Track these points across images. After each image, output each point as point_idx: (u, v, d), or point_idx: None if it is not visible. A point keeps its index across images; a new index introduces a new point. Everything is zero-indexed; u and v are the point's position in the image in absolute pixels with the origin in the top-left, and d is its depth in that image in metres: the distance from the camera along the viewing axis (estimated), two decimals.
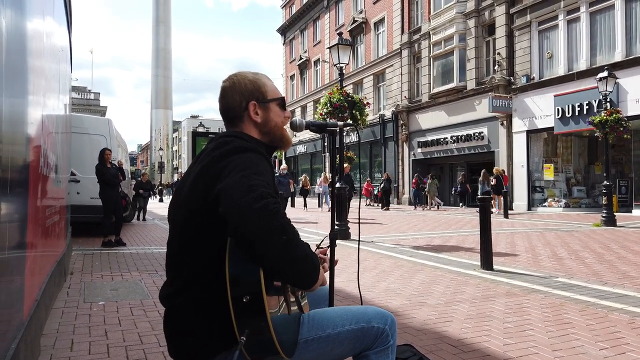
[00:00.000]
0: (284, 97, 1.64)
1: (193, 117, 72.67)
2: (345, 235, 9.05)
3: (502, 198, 15.78)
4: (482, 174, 17.39)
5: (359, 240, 1.68)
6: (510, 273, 5.65)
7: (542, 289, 4.80)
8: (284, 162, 12.53)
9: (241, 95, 1.54)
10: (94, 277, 5.53)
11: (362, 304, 1.76)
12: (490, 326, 3.56)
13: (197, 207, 1.38)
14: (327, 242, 1.79)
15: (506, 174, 17.69)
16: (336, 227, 8.97)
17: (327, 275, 1.75)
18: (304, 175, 28.12)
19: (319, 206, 21.09)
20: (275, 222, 1.22)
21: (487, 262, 5.87)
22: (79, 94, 49.19)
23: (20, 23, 2.33)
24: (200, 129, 34.44)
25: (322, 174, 23.82)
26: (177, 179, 24.06)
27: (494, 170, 17.06)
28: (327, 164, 31.03)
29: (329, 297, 1.70)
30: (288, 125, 1.69)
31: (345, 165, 12.51)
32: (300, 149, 36.46)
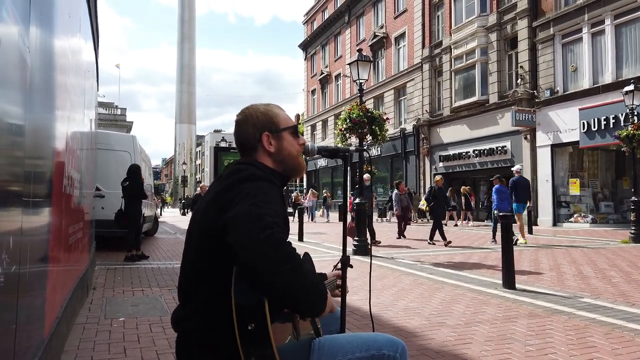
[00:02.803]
0: (296, 125, 1.67)
1: (216, 131, 73.73)
2: (365, 252, 8.99)
3: (470, 214, 19.88)
4: (449, 190, 19.24)
5: (370, 262, 1.68)
6: (533, 292, 5.52)
7: (566, 310, 4.67)
8: (366, 175, 12.04)
9: (254, 127, 1.58)
10: (116, 293, 5.61)
11: (373, 330, 1.74)
12: (511, 349, 3.48)
13: (208, 234, 1.41)
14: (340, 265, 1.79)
15: (473, 192, 20.93)
16: (355, 241, 9.03)
17: (339, 299, 1.75)
18: (296, 191, 28.92)
19: (310, 219, 23.52)
20: (281, 252, 1.24)
21: (509, 281, 5.75)
22: (106, 110, 50.43)
23: (45, 41, 2.42)
24: (223, 144, 34.83)
25: (310, 190, 26.41)
26: (195, 193, 24.33)
27: (462, 190, 19.88)
28: (349, 178, 31.03)
29: (341, 323, 1.69)
30: None
31: (366, 176, 12.10)
32: (321, 162, 36.55)
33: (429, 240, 11.53)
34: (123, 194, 8.64)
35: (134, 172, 8.62)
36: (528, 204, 11.74)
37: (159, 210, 31.60)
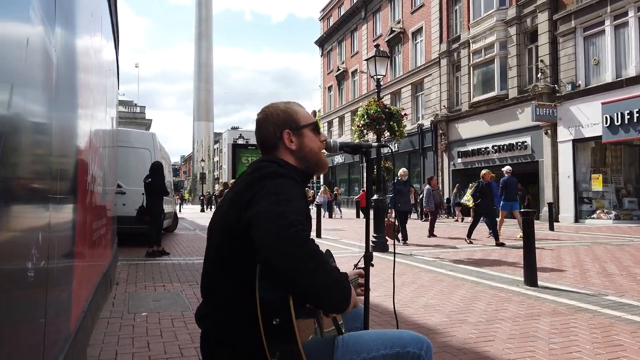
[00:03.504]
0: (317, 121, 1.66)
1: (233, 128, 74.17)
2: (383, 248, 8.96)
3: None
4: (455, 187, 19.75)
5: (394, 258, 1.67)
6: (555, 290, 5.44)
7: (590, 308, 4.59)
8: (403, 169, 11.42)
9: (274, 125, 1.59)
10: (138, 288, 5.69)
11: (397, 327, 1.73)
12: (534, 347, 3.43)
13: (230, 231, 1.41)
14: (362, 263, 1.78)
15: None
16: (373, 238, 9.00)
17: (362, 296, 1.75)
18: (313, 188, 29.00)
19: (322, 216, 22.69)
20: (304, 250, 1.23)
21: (531, 278, 5.67)
22: (125, 108, 51.13)
23: (69, 40, 2.45)
24: (240, 141, 35.05)
25: (322, 187, 26.59)
26: (215, 191, 24.48)
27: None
28: (365, 175, 30.94)
29: (364, 320, 1.68)
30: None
31: (402, 170, 11.28)
32: (338, 159, 36.50)
33: (466, 239, 10.67)
34: (145, 190, 8.76)
35: (156, 169, 8.72)
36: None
37: (178, 206, 32.04)
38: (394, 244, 2.16)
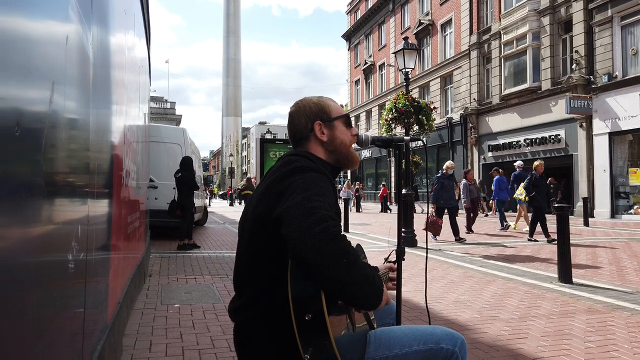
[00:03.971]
0: (348, 114, 1.66)
1: (261, 123, 74.79)
2: (412, 243, 8.89)
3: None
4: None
5: (427, 254, 1.65)
6: (591, 287, 5.29)
7: (628, 306, 4.45)
8: (449, 162, 10.60)
9: (306, 117, 1.60)
10: (170, 280, 5.81)
11: (430, 323, 1.72)
12: (569, 345, 3.35)
13: (262, 225, 1.42)
14: (394, 256, 1.77)
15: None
16: (403, 233, 8.91)
17: (394, 291, 1.74)
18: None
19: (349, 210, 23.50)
20: (335, 246, 1.22)
21: (565, 275, 5.53)
22: (156, 104, 52.14)
23: (104, 38, 2.51)
24: (268, 136, 35.32)
25: (345, 181, 27.00)
26: (241, 186, 24.58)
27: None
28: (393, 170, 30.75)
29: (397, 315, 1.67)
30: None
31: (449, 163, 10.31)
32: (365, 153, 36.33)
33: (528, 237, 9.94)
34: (176, 185, 8.92)
35: (186, 164, 8.86)
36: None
37: (207, 201, 32.54)
38: (426, 240, 2.13)
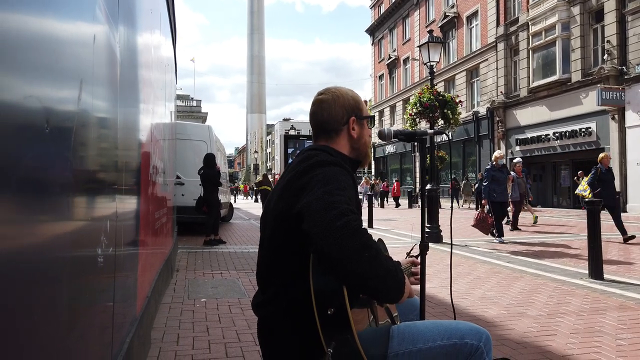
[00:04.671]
0: (374, 116, 1.66)
1: (285, 120, 75.17)
2: (437, 239, 8.81)
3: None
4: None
5: (451, 248, 1.63)
6: (623, 284, 5.15)
7: None
8: (498, 152, 9.51)
9: (344, 109, 1.58)
10: (197, 275, 5.91)
11: (455, 318, 1.70)
12: (600, 342, 3.27)
13: (283, 221, 1.42)
14: (416, 251, 1.76)
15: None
16: (427, 229, 8.83)
17: (417, 286, 1.73)
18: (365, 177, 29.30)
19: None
20: (357, 240, 1.22)
21: (596, 271, 5.39)
22: (183, 102, 52.93)
23: (131, 37, 2.56)
24: (292, 132, 35.46)
25: (364, 177, 27.43)
26: (257, 181, 24.67)
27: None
28: (417, 165, 30.44)
29: (420, 310, 1.66)
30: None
31: (498, 153, 9.30)
32: (390, 149, 36.11)
33: (623, 236, 8.63)
34: (201, 181, 9.06)
35: (209, 160, 8.99)
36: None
37: (233, 197, 32.90)
38: (451, 234, 2.10)
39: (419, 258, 1.71)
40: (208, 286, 5.26)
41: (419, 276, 1.71)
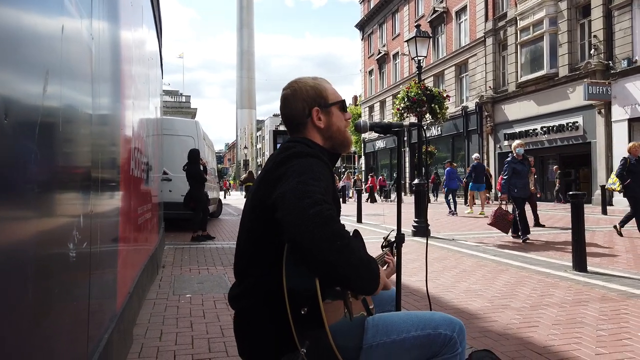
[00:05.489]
0: (344, 99, 1.64)
1: (275, 115, 74.96)
2: (425, 233, 8.83)
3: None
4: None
5: (427, 240, 1.63)
6: (606, 275, 5.21)
7: None
8: (517, 141, 8.75)
9: (304, 102, 1.57)
10: (183, 271, 5.88)
11: (431, 309, 1.71)
12: (581, 333, 3.31)
13: (261, 210, 1.42)
14: (391, 238, 1.76)
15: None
16: (415, 223, 8.88)
17: (394, 277, 1.73)
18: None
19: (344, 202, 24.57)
20: (328, 229, 1.21)
21: (580, 263, 5.45)
22: (171, 97, 52.55)
23: (108, 30, 2.51)
24: (281, 127, 35.41)
25: (346, 173, 28.02)
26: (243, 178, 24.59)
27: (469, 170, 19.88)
28: (408, 160, 30.55)
29: (396, 302, 1.66)
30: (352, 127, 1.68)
31: (517, 143, 8.64)
32: (380, 144, 36.18)
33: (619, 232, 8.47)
34: (186, 177, 9.01)
35: (193, 156, 8.95)
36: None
37: (223, 193, 32.79)
38: (428, 231, 2.10)
39: (395, 249, 1.70)
40: (194, 282, 5.24)
41: (394, 267, 1.70)
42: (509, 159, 8.54)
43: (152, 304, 4.26)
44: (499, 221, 8.08)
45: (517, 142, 8.82)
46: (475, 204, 15.42)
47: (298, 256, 1.25)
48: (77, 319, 1.77)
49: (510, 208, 8.42)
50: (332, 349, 1.29)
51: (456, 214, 14.19)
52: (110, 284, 2.58)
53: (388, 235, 1.79)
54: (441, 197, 23.83)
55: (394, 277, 1.76)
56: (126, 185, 3.19)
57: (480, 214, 13.88)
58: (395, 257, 1.69)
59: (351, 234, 1.56)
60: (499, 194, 8.78)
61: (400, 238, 1.68)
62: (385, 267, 1.75)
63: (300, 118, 1.57)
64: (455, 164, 15.89)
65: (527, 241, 8.01)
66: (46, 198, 1.39)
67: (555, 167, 19.97)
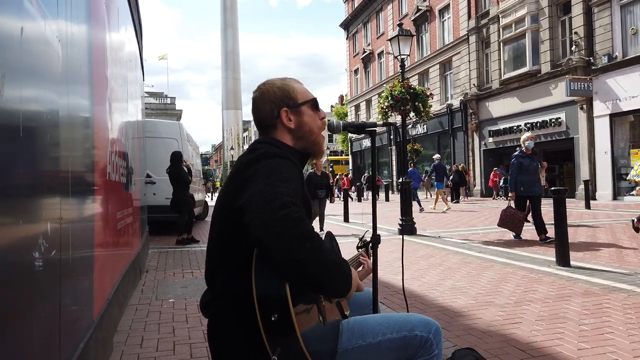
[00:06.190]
0: (315, 98, 1.60)
1: None
2: (412, 231, 8.86)
3: (463, 189, 21.07)
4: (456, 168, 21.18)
5: (402, 239, 1.61)
6: (589, 270, 5.25)
7: (625, 287, 4.41)
8: (526, 134, 7.86)
9: (272, 103, 1.54)
10: (167, 275, 5.81)
11: (408, 311, 1.68)
12: (564, 329, 3.32)
13: (229, 214, 1.38)
14: (367, 237, 1.74)
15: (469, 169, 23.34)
16: (401, 221, 8.89)
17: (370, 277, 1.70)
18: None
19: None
20: (297, 231, 1.18)
21: (563, 258, 5.49)
22: (156, 99, 52.06)
23: (78, 32, 2.45)
24: None
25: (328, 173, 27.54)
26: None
27: (454, 167, 21.13)
28: (394, 158, 30.64)
29: (373, 304, 1.64)
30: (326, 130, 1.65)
31: (527, 136, 7.87)
32: (367, 143, 36.23)
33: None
34: (169, 180, 8.92)
35: (175, 159, 8.87)
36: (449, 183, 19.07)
37: (210, 195, 32.54)
38: (403, 232, 2.08)
39: (372, 250, 1.68)
40: (178, 286, 5.17)
41: (369, 268, 1.68)
42: (516, 153, 7.88)
43: (134, 310, 4.20)
44: (509, 221, 7.59)
45: (526, 134, 8.03)
46: (439, 200, 16.65)
47: (266, 259, 1.21)
48: (48, 328, 1.72)
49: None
50: (305, 355, 1.25)
51: (423, 209, 15.49)
52: (86, 291, 2.51)
53: (363, 236, 1.76)
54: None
55: (370, 277, 1.73)
56: (102, 189, 3.12)
57: (447, 209, 15.50)
58: (371, 258, 1.66)
59: (324, 237, 1.54)
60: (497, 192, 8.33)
61: (375, 239, 1.65)
62: (360, 269, 1.72)
63: (270, 120, 1.54)
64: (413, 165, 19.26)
65: (548, 241, 7.21)
66: (7, 204, 1.34)
67: (544, 162, 20.07)
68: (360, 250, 1.76)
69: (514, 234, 7.91)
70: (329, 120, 1.64)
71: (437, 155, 16.38)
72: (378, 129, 1.83)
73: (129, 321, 3.85)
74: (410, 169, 16.73)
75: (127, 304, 4.31)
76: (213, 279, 1.47)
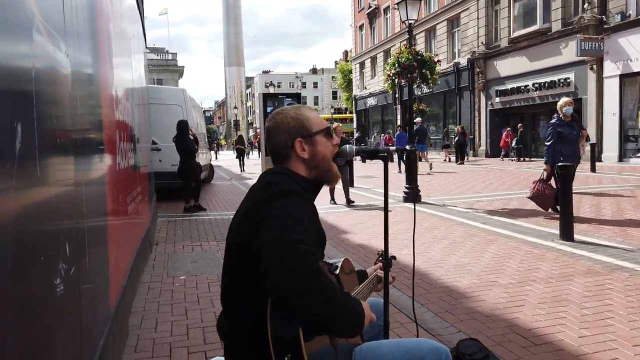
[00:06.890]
0: (329, 126, 1.61)
1: (265, 72, 73.67)
2: (417, 198, 8.92)
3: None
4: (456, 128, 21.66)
5: (413, 243, 1.64)
6: (592, 245, 5.32)
7: (627, 266, 4.48)
8: (564, 99, 6.89)
9: (286, 133, 1.54)
10: (177, 248, 5.93)
11: (417, 334, 1.74)
12: (565, 313, 3.41)
13: (244, 253, 1.41)
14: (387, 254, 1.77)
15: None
16: (406, 189, 8.94)
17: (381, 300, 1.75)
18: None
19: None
20: (312, 283, 1.22)
21: (567, 233, 5.56)
22: (157, 55, 51.19)
23: None
24: (271, 87, 34.88)
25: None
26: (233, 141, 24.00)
27: (459, 129, 20.93)
28: (399, 117, 30.40)
29: (384, 328, 1.69)
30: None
31: (563, 102, 6.91)
32: (371, 101, 35.87)
33: None
34: (176, 149, 8.93)
35: (181, 128, 8.85)
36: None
37: (214, 154, 32.61)
38: (419, 197, 2.11)
39: (384, 275, 1.72)
40: (188, 261, 5.30)
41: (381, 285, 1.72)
42: (553, 120, 7.11)
43: (147, 288, 4.32)
44: (538, 196, 6.99)
45: (564, 99, 7.13)
46: (421, 160, 16.66)
47: (281, 308, 1.26)
48: (69, 317, 1.79)
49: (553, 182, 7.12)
50: None
51: (401, 172, 15.41)
52: (103, 287, 2.59)
53: (378, 257, 1.80)
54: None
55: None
56: (111, 183, 3.14)
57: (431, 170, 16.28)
58: (383, 280, 1.71)
59: (340, 263, 1.58)
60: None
61: (386, 263, 1.69)
62: (377, 285, 1.77)
63: (284, 150, 1.55)
64: (400, 128, 18.99)
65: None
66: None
67: (584, 131, 19.72)
68: (379, 261, 1.80)
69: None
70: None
71: (418, 119, 16.74)
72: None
73: (142, 301, 3.97)
74: (397, 132, 17.34)
75: (140, 282, 4.43)
76: (230, 310, 1.53)
